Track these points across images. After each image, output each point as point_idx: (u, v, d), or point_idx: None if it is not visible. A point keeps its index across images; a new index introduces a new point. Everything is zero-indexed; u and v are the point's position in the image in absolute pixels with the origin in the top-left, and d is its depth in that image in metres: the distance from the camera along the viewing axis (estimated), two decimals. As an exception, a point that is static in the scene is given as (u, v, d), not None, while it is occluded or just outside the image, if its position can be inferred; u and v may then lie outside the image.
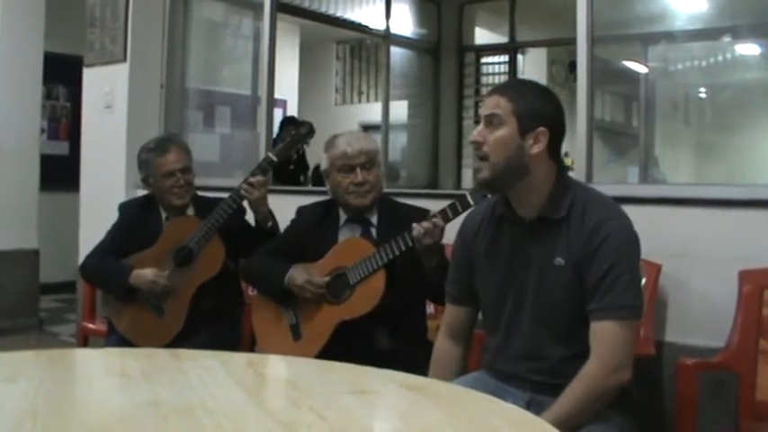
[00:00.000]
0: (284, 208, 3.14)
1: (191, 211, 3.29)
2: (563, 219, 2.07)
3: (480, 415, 1.59)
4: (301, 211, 3.06)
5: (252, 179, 3.09)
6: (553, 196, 2.10)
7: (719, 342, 2.72)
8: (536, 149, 2.07)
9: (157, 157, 3.21)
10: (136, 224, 3.31)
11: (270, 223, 3.16)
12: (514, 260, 2.15)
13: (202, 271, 3.15)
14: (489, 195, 2.38)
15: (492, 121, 2.07)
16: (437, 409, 1.64)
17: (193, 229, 3.15)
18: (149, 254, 3.20)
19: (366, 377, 1.85)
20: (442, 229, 2.55)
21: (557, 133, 2.10)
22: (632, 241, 2.06)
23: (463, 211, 2.50)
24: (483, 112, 2.12)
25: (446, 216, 2.54)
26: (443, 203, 2.58)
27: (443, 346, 2.34)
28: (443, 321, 2.38)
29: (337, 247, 2.86)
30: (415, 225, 2.56)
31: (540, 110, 2.08)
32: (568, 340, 2.07)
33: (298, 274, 2.82)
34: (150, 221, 3.28)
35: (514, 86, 2.19)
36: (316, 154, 3.01)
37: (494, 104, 2.08)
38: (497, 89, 2.15)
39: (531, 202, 2.11)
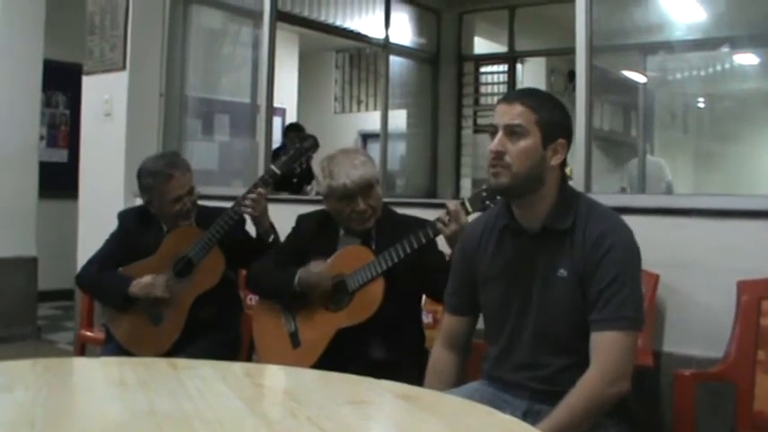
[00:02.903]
0: (285, 218, 3.14)
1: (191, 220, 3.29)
2: (567, 230, 2.07)
3: (477, 426, 1.59)
4: (301, 219, 3.05)
5: (253, 192, 3.08)
6: (558, 207, 2.10)
7: (717, 352, 2.72)
8: (555, 161, 2.08)
9: (163, 185, 3.14)
10: (135, 233, 3.29)
11: (271, 237, 3.16)
12: (518, 271, 2.15)
13: (201, 281, 3.14)
14: (488, 203, 2.38)
15: (515, 131, 2.05)
16: (434, 419, 1.64)
17: (194, 239, 3.14)
18: (149, 263, 3.19)
19: (363, 387, 1.84)
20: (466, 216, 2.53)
21: (570, 144, 2.12)
22: (634, 254, 2.07)
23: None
24: (502, 120, 2.07)
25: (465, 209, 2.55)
26: (442, 213, 2.58)
27: (441, 356, 2.33)
28: (442, 331, 2.37)
29: (337, 254, 2.85)
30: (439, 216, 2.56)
31: (561, 121, 2.09)
32: (569, 351, 2.07)
33: (307, 273, 2.81)
34: (150, 231, 3.26)
35: (534, 96, 2.14)
36: (314, 163, 2.99)
37: (516, 114, 2.05)
38: (517, 98, 2.11)
39: (537, 212, 2.11)
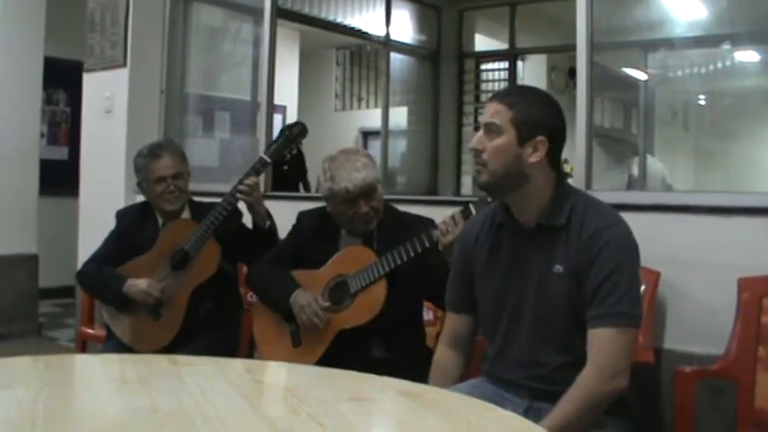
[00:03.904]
0: (284, 213, 3.14)
1: (186, 215, 3.29)
2: (562, 226, 2.07)
3: (478, 422, 1.59)
4: (302, 217, 3.05)
5: (246, 181, 3.09)
6: (553, 204, 2.09)
7: (718, 350, 2.72)
8: (534, 158, 2.06)
9: (150, 163, 3.22)
10: (133, 230, 3.31)
11: (268, 223, 3.16)
12: (514, 267, 2.15)
13: (198, 274, 3.14)
14: (490, 200, 2.38)
15: (491, 129, 2.07)
16: (435, 416, 1.64)
17: (189, 232, 3.15)
18: (146, 258, 3.20)
19: (364, 384, 1.84)
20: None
21: (556, 142, 2.09)
22: (631, 249, 2.05)
23: (466, 221, 2.50)
24: (482, 119, 2.11)
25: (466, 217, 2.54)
26: (442, 210, 2.59)
27: (443, 356, 2.33)
28: (444, 331, 2.37)
29: (339, 254, 2.85)
30: (439, 224, 2.55)
31: (540, 118, 2.07)
32: (567, 348, 2.07)
33: (302, 297, 2.80)
34: (147, 227, 3.29)
35: (515, 94, 2.17)
36: (318, 162, 2.98)
37: (493, 112, 2.07)
38: (497, 96, 2.14)
39: (530, 209, 2.11)
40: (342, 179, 2.75)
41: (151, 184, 3.21)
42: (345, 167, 2.77)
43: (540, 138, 2.05)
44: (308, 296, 2.79)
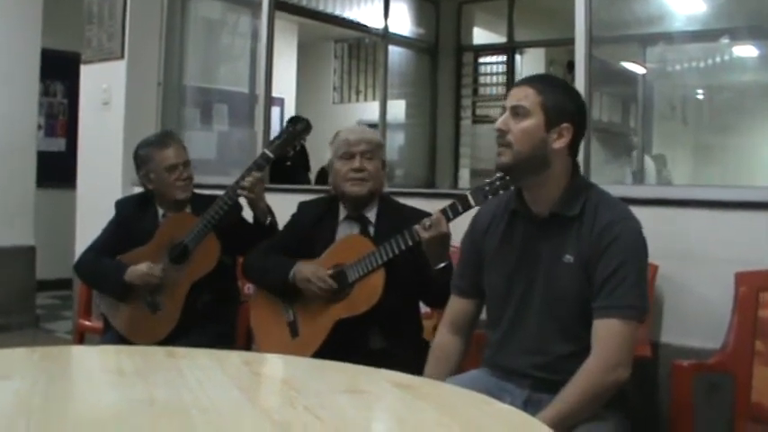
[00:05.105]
0: (285, 206, 3.13)
1: (188, 209, 3.28)
2: (575, 217, 2.09)
3: (474, 415, 1.59)
4: (302, 206, 3.06)
5: (248, 177, 3.08)
6: (568, 194, 2.12)
7: (715, 343, 2.72)
8: (559, 144, 2.09)
9: (159, 152, 3.20)
10: (132, 221, 3.30)
11: (269, 219, 3.16)
12: (524, 255, 2.17)
13: (197, 268, 3.14)
14: (491, 197, 2.38)
15: (518, 112, 2.10)
16: (431, 408, 1.64)
17: (189, 225, 3.14)
18: (145, 250, 3.19)
19: (361, 377, 1.85)
20: (448, 224, 2.54)
21: (579, 131, 2.13)
22: (641, 244, 2.08)
23: (464, 212, 2.49)
24: (509, 102, 2.13)
25: (446, 215, 2.53)
26: (440, 203, 2.57)
27: (445, 340, 2.34)
28: (446, 314, 2.38)
29: (337, 243, 2.86)
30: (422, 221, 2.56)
31: (567, 105, 2.12)
32: (573, 337, 2.08)
33: (305, 267, 2.80)
34: (146, 218, 3.28)
35: (543, 80, 2.21)
36: (318, 156, 3.01)
37: (521, 96, 2.11)
38: (526, 81, 2.18)
39: (545, 197, 2.13)
40: (343, 133, 2.90)
41: (163, 173, 3.19)
42: (350, 127, 3.01)
43: (565, 125, 2.09)
44: (310, 266, 2.80)
